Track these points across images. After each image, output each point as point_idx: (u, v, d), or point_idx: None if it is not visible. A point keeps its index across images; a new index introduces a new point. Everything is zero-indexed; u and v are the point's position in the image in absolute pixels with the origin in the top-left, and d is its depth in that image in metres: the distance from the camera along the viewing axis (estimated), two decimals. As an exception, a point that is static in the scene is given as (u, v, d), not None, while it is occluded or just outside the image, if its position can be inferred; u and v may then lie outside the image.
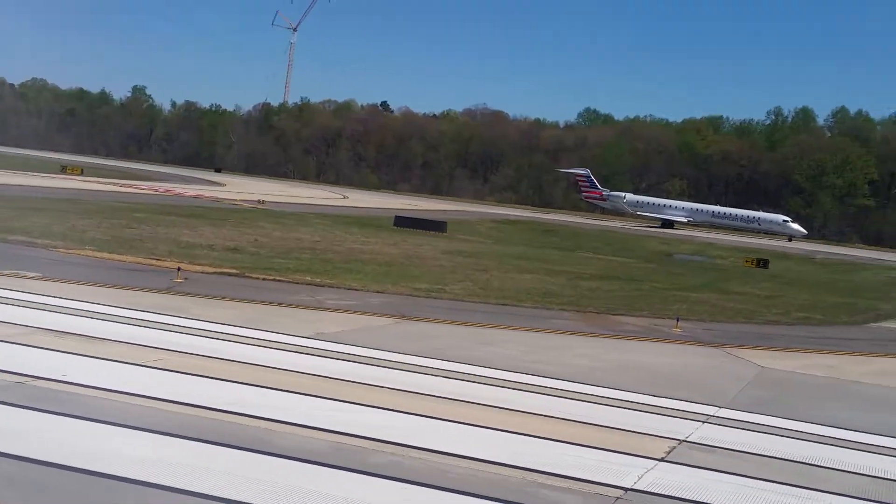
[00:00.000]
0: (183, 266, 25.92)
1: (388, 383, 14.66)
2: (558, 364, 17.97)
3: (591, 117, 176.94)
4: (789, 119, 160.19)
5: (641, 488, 10.58)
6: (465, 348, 18.62)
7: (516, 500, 9.61)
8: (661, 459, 11.94)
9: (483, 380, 15.73)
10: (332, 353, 16.67)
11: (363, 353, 16.92)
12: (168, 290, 22.39)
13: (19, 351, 14.22)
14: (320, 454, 10.50)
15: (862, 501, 11.13)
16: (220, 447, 10.40)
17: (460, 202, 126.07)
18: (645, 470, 11.32)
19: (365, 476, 9.89)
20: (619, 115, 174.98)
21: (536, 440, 12.25)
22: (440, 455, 10.95)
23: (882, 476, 12.38)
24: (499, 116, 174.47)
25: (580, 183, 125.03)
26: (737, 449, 12.95)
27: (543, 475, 10.62)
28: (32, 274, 22.26)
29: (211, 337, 17.04)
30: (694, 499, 10.42)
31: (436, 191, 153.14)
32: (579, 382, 16.29)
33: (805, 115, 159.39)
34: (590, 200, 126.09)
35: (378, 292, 25.82)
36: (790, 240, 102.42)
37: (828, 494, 11.22)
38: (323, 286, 25.89)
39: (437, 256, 40.11)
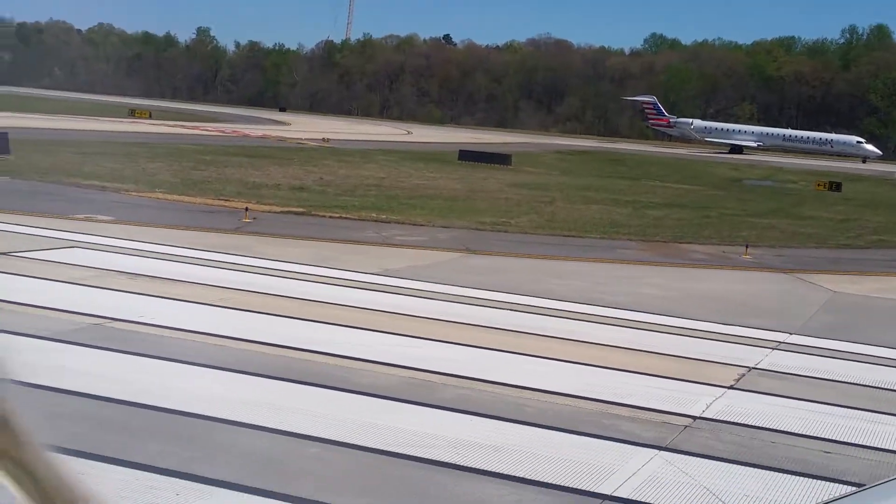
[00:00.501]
0: (250, 206, 26.27)
1: (455, 318, 14.80)
2: (626, 294, 17.94)
3: (658, 42, 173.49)
4: (864, 37, 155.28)
5: (710, 416, 10.62)
6: (533, 281, 18.67)
7: (588, 431, 9.72)
8: (731, 387, 11.94)
9: (551, 312, 15.78)
10: (399, 289, 16.84)
11: (430, 289, 17.07)
12: (237, 230, 22.75)
13: (95, 293, 14.63)
14: (391, 389, 10.69)
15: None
16: (293, 384, 10.66)
17: (526, 134, 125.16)
18: (714, 398, 11.34)
19: (436, 410, 10.08)
20: (686, 40, 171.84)
21: (606, 371, 12.33)
22: (510, 388, 11.09)
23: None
24: (563, 45, 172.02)
25: (647, 110, 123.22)
26: (807, 375, 12.87)
27: (614, 405, 10.70)
28: (105, 217, 22.77)
29: (279, 276, 17.31)
30: (762, 425, 10.42)
31: (500, 124, 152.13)
32: (648, 312, 16.27)
33: (881, 32, 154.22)
34: (657, 128, 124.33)
35: (444, 227, 25.91)
36: (864, 161, 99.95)
37: (900, 418, 11.14)
38: (389, 222, 26.06)
39: (503, 189, 40.02)
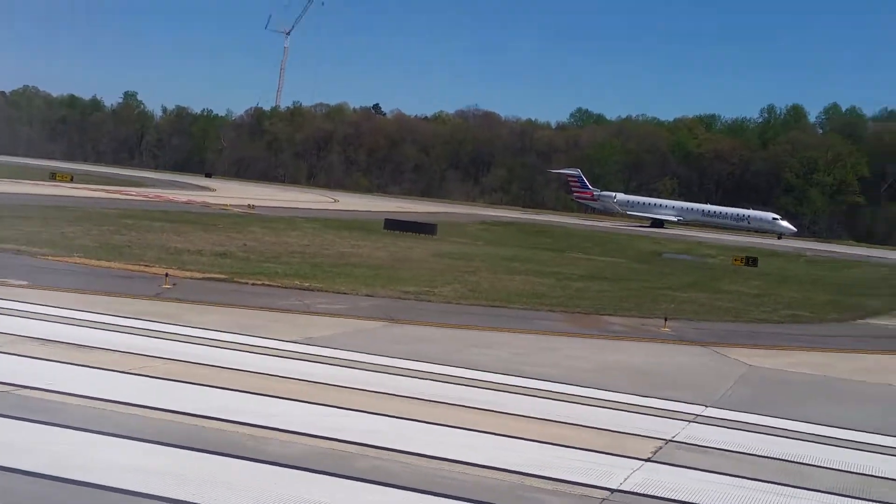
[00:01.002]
0: (171, 272, 25.92)
1: (375, 387, 14.69)
2: (547, 365, 18.02)
3: (584, 117, 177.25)
4: (781, 116, 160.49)
5: (628, 489, 10.64)
6: (454, 351, 18.67)
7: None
8: (648, 460, 12.00)
9: (472, 382, 15.77)
10: (320, 358, 16.70)
11: (352, 357, 16.96)
12: (156, 296, 22.39)
13: (5, 360, 14.22)
14: (307, 460, 10.53)
15: (850, 499, 11.18)
16: (208, 454, 10.43)
17: (452, 204, 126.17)
18: (631, 470, 11.38)
19: (349, 481, 9.94)
20: (611, 115, 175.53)
21: (523, 442, 12.31)
22: (426, 459, 10.99)
23: (871, 474, 12.42)
24: (491, 117, 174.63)
25: (571, 183, 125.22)
26: (724, 448, 13.00)
27: (530, 477, 10.67)
28: (19, 282, 22.25)
29: (199, 343, 17.06)
30: (680, 499, 10.47)
31: (427, 193, 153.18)
32: (567, 384, 16.34)
33: (797, 112, 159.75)
34: (581, 201, 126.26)
35: (367, 295, 25.85)
36: (780, 237, 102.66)
37: (816, 493, 11.28)
38: (312, 290, 25.92)
39: (427, 259, 40.17)
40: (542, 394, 15.42)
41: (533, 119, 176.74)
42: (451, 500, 9.60)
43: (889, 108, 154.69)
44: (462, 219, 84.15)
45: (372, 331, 20.64)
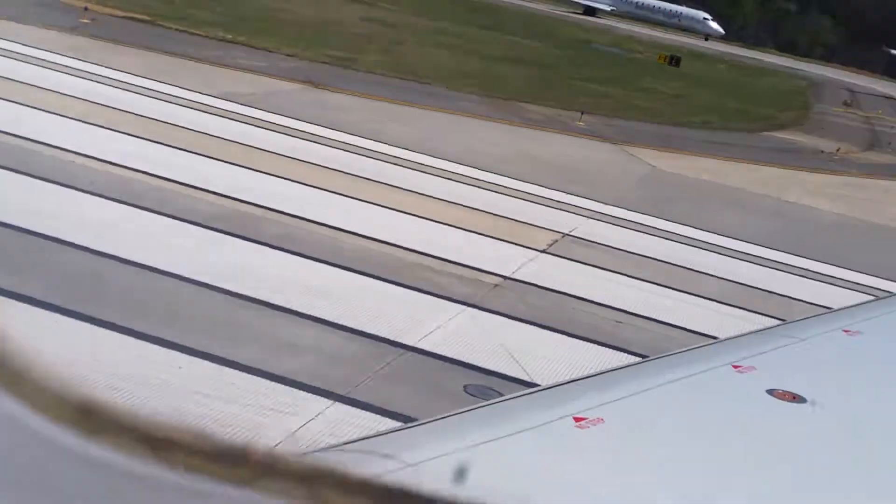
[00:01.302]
0: (91, 5, 24.98)
1: (289, 152, 14.85)
2: (460, 147, 18.29)
3: None
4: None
5: (520, 278, 11.21)
6: (370, 122, 18.75)
7: (401, 282, 10.15)
8: (543, 251, 12.56)
9: (383, 157, 16.01)
10: (235, 115, 16.67)
11: (268, 119, 16.97)
12: (73, 29, 21.70)
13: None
14: (215, 219, 10.79)
15: (732, 308, 11.92)
16: (114, 203, 10.58)
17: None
18: (526, 260, 11.94)
19: (257, 245, 10.26)
20: None
21: (427, 222, 12.73)
22: (331, 229, 11.36)
23: (745, 283, 13.21)
24: None
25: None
26: (617, 247, 13.62)
27: (428, 257, 11.15)
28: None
29: (110, 85, 16.79)
30: (566, 291, 11.09)
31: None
32: (477, 168, 16.67)
33: None
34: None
35: (290, 56, 25.46)
36: (707, 39, 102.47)
37: (694, 296, 12.03)
38: (235, 44, 25.38)
39: (355, 23, 39.30)
40: (451, 175, 15.77)
41: None
42: (352, 273, 10.06)
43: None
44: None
45: (290, 93, 20.52)
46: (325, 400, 7.00)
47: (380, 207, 12.94)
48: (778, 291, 13.16)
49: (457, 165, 16.56)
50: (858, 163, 28.56)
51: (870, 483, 2.26)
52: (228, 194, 11.78)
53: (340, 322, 8.60)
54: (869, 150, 32.75)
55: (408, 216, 12.83)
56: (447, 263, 11.08)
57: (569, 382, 2.68)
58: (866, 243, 17.79)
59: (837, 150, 29.60)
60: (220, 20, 29.05)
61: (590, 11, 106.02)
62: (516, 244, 12.60)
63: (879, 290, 13.65)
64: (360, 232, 11.45)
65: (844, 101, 54.72)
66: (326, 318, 8.64)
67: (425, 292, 10.00)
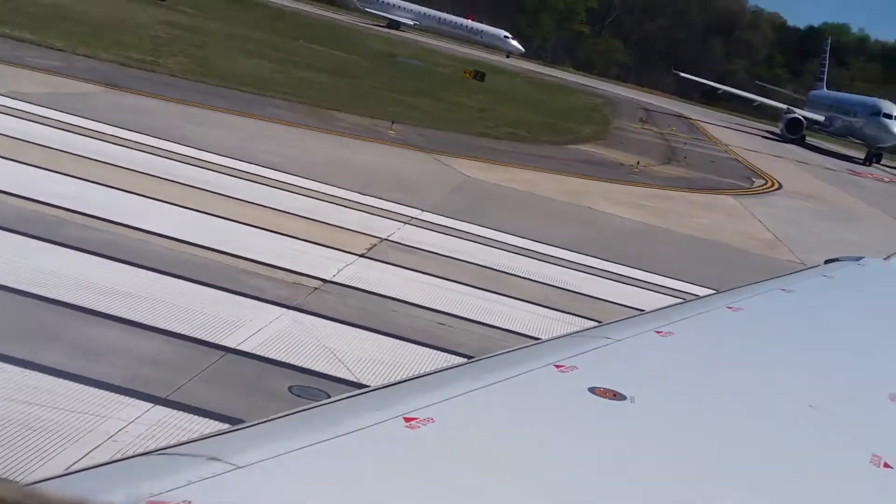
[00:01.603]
0: None
1: (88, 153, 14.08)
2: (274, 154, 17.87)
3: None
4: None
5: (340, 281, 10.99)
6: (176, 127, 18.07)
7: (220, 284, 9.72)
8: (362, 255, 12.38)
9: (192, 161, 15.44)
10: (30, 116, 15.67)
11: (65, 120, 16.07)
12: None
13: None
14: (15, 222, 10.03)
15: (542, 308, 12.16)
16: None
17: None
18: (345, 264, 11.73)
19: (59, 247, 9.60)
20: None
21: (243, 226, 12.34)
22: (137, 231, 10.78)
23: (559, 286, 13.49)
24: None
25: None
26: (434, 251, 13.63)
27: (246, 261, 10.77)
28: None
29: None
30: (386, 294, 10.95)
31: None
32: (292, 174, 16.35)
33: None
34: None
35: (86, 56, 24.25)
36: (508, 56, 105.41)
37: (511, 299, 12.16)
38: (23, 41, 23.94)
39: (154, 25, 37.98)
40: (267, 181, 15.38)
41: None
42: (164, 276, 9.54)
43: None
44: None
45: (89, 95, 19.51)
46: (145, 403, 6.55)
47: (193, 212, 12.43)
48: (590, 294, 13.50)
49: (272, 171, 16.16)
50: (657, 175, 29.85)
51: (687, 474, 2.38)
52: (26, 195, 10.98)
53: (158, 325, 8.13)
54: (666, 164, 34.34)
55: (223, 220, 12.39)
56: (265, 267, 10.72)
57: (398, 383, 2.63)
58: (668, 249, 18.50)
59: (637, 164, 30.89)
60: (4, 17, 27.31)
61: (394, 25, 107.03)
62: (335, 248, 12.37)
63: (684, 292, 14.24)
64: (175, 236, 10.93)
65: (641, 118, 57.38)
66: (143, 321, 8.14)
67: (245, 295, 9.62)
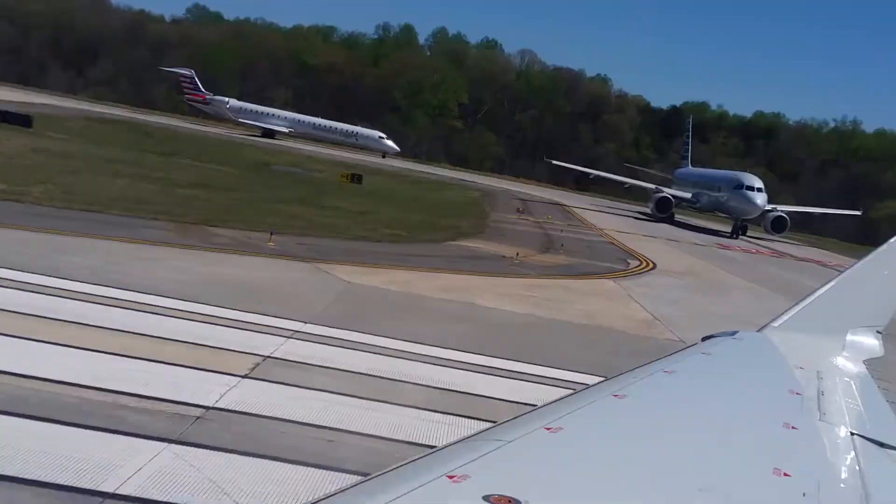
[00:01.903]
0: None
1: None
2: (146, 277, 17.54)
3: (201, 13, 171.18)
4: (394, 35, 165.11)
5: (223, 406, 10.75)
6: (43, 257, 17.58)
7: (94, 425, 9.38)
8: (245, 376, 12.16)
9: (58, 292, 15.01)
10: None
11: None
12: None
13: None
14: None
15: (432, 413, 12.09)
16: None
17: (52, 96, 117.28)
18: (228, 387, 11.49)
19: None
20: (229, 15, 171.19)
21: (117, 358, 11.99)
22: (8, 376, 10.37)
23: (446, 387, 13.48)
24: (100, 2, 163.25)
25: (184, 84, 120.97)
26: (319, 364, 13.48)
27: (123, 396, 10.44)
28: None
29: None
30: (272, 415, 10.76)
31: (23, 81, 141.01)
32: (167, 297, 16.05)
33: (408, 32, 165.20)
34: (193, 103, 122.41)
35: (-53, 191, 23.54)
36: (384, 156, 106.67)
37: (399, 406, 12.07)
38: None
39: (22, 154, 37.27)
40: (139, 306, 15.05)
41: (147, 10, 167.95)
42: (35, 421, 9.16)
43: (491, 38, 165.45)
44: (63, 112, 78.69)
45: (-49, 231, 18.87)
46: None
47: (60, 346, 12.02)
48: (478, 393, 13.52)
49: (143, 295, 15.82)
50: (537, 265, 30.35)
51: None
52: None
53: (25, 476, 7.74)
54: (545, 253, 35.00)
55: (93, 353, 12.01)
56: (142, 399, 10.41)
57: None
58: (553, 339, 18.71)
59: (517, 255, 31.39)
60: None
61: (269, 133, 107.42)
62: (216, 372, 12.11)
63: (572, 382, 14.39)
64: (40, 376, 10.52)
65: (517, 208, 58.54)
66: (6, 473, 7.75)
67: (121, 433, 9.29)
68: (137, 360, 12.02)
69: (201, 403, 10.66)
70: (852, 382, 5.79)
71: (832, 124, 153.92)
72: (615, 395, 4.09)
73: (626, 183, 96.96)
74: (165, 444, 9.15)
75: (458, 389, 13.50)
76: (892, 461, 4.30)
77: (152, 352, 12.51)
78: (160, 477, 8.31)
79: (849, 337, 6.77)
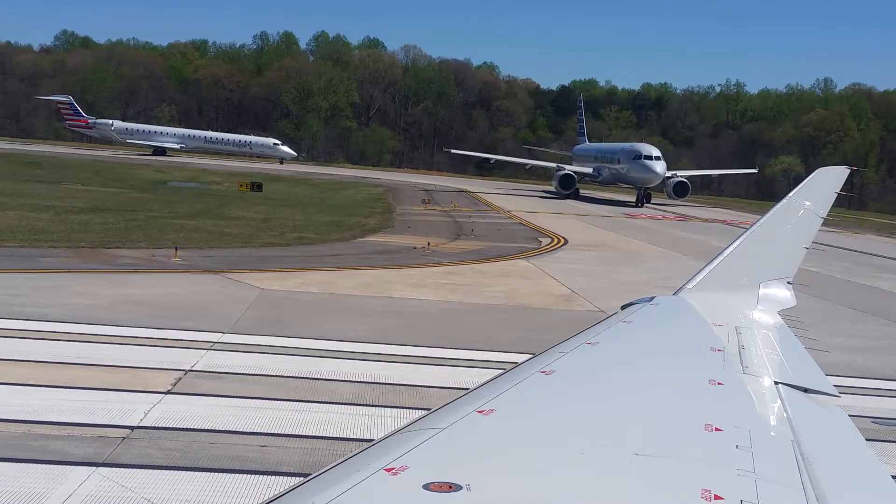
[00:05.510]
0: None
1: None
2: (52, 305, 16.95)
3: (70, 40, 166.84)
4: (274, 43, 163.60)
5: (148, 424, 10.43)
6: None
7: (13, 456, 8.98)
8: (168, 392, 11.84)
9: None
10: None
11: None
12: None
13: None
14: None
15: (361, 406, 11.96)
16: None
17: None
18: (151, 405, 11.16)
19: None
20: (100, 38, 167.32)
21: (33, 388, 11.56)
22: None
23: (376, 381, 13.34)
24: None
25: (63, 111, 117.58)
26: (242, 372, 13.21)
27: (42, 425, 10.04)
28: None
29: None
30: (201, 427, 10.49)
31: None
32: (77, 322, 15.56)
33: (288, 39, 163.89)
34: (76, 129, 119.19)
35: None
36: (282, 162, 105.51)
37: (330, 404, 11.89)
38: None
39: None
40: (50, 335, 14.53)
41: (13, 42, 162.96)
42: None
43: (372, 37, 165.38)
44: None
45: None
46: None
47: (-28, 384, 11.50)
48: (407, 383, 13.41)
49: (52, 324, 15.30)
50: (450, 252, 30.36)
51: None
52: None
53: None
54: (456, 240, 35.03)
55: (9, 386, 11.52)
56: (63, 426, 10.01)
57: None
58: (474, 322, 18.69)
59: (428, 245, 31.34)
60: None
61: (160, 151, 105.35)
62: (138, 391, 11.75)
63: (499, 362, 14.34)
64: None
65: (423, 199, 58.46)
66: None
67: (44, 462, 8.90)
68: (54, 389, 11.59)
69: (126, 424, 10.31)
70: (770, 334, 5.91)
71: (718, 89, 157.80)
72: (543, 372, 4.13)
73: (526, 164, 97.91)
74: (93, 468, 8.81)
75: (388, 382, 13.37)
76: (818, 405, 4.41)
77: (69, 379, 12.08)
78: (92, 501, 7.99)
79: (761, 290, 6.92)
